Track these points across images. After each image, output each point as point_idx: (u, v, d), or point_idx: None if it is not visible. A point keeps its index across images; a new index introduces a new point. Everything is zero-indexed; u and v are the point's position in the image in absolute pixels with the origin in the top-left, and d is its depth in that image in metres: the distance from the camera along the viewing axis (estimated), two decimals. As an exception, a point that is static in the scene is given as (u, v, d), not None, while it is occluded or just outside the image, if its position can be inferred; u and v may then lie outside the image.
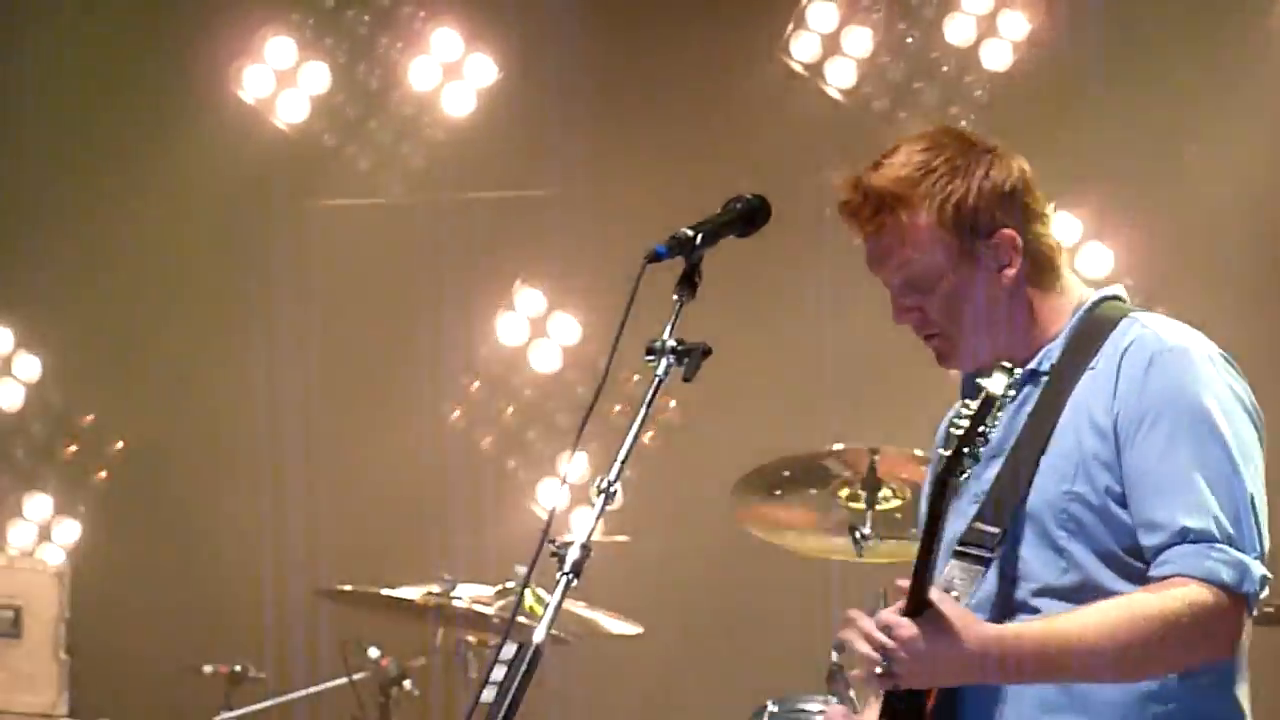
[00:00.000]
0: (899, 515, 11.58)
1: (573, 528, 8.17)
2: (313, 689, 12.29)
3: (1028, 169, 7.41)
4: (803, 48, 16.71)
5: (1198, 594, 7.18)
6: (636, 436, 7.46)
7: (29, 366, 16.49)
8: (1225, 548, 7.21)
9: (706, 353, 7.67)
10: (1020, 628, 7.24)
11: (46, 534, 16.35)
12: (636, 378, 8.14)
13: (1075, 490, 7.24)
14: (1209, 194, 15.36)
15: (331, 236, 16.07)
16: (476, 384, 16.23)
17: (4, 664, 12.73)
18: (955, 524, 7.13)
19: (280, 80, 16.87)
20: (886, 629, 6.78)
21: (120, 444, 16.52)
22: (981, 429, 6.98)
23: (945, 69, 16.76)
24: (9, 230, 16.38)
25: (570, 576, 7.40)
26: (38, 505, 16.38)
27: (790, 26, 16.45)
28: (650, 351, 7.50)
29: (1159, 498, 7.25)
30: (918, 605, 6.94)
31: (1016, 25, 16.87)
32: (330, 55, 17.06)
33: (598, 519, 7.50)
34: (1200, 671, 7.32)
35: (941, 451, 6.95)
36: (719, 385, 11.73)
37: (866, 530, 11.29)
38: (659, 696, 12.94)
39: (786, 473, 11.73)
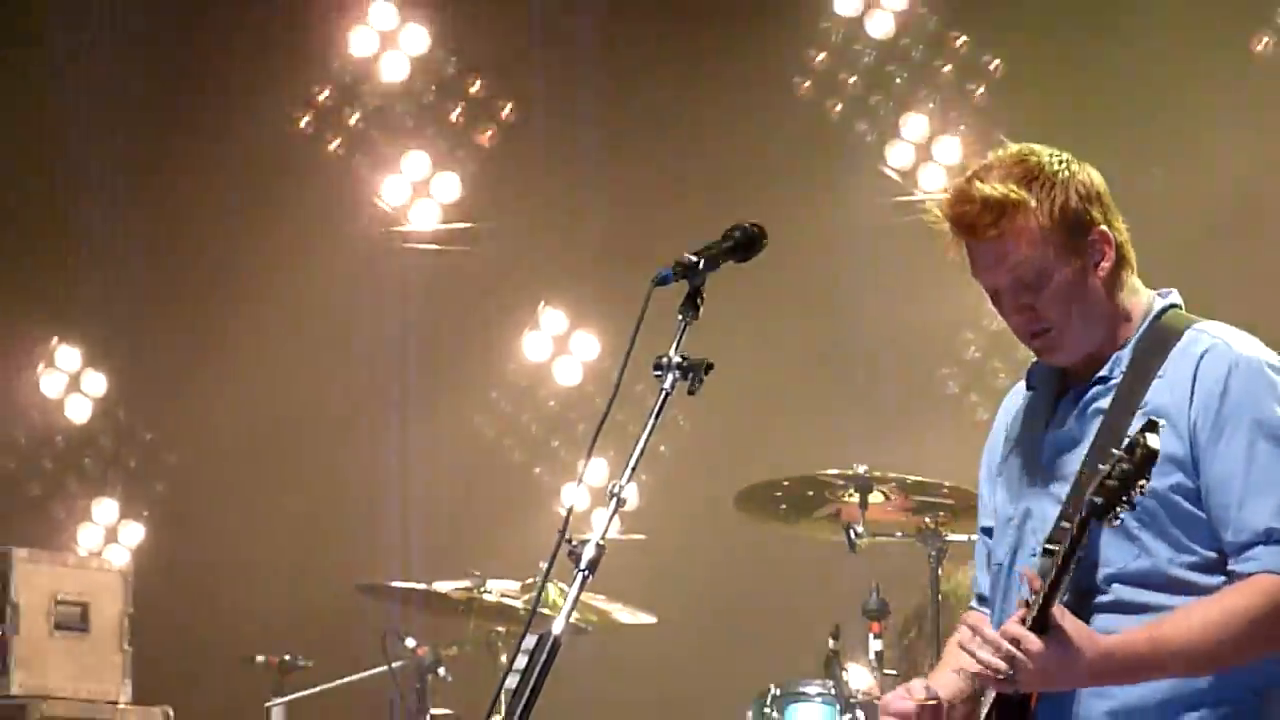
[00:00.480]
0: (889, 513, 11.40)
1: (592, 527, 7.57)
2: (355, 676, 12.01)
3: (1102, 183, 7.31)
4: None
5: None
6: (646, 444, 7.36)
7: (96, 383, 16.27)
8: None
9: (709, 368, 7.53)
10: (1128, 638, 7.11)
11: (113, 536, 16.16)
12: (640, 387, 7.87)
13: (1150, 485, 6.87)
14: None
15: (373, 264, 15.85)
16: (504, 399, 15.95)
17: (73, 656, 12.43)
18: (1051, 514, 7.16)
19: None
20: (1015, 641, 6.78)
21: (177, 455, 16.25)
22: (1141, 483, 6.76)
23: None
24: (80, 260, 16.08)
25: (586, 572, 7.28)
26: (105, 510, 16.24)
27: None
28: (657, 367, 7.40)
29: (1245, 500, 7.19)
30: (1044, 621, 6.87)
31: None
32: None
33: (611, 518, 7.37)
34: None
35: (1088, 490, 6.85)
36: (727, 397, 11.57)
37: (860, 529, 11.01)
38: (671, 680, 12.72)
39: (785, 482, 11.44)
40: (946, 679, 7.14)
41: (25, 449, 16.41)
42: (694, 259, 7.43)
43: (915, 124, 15.99)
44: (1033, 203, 7.19)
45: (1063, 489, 7.12)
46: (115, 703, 12.49)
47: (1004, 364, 14.89)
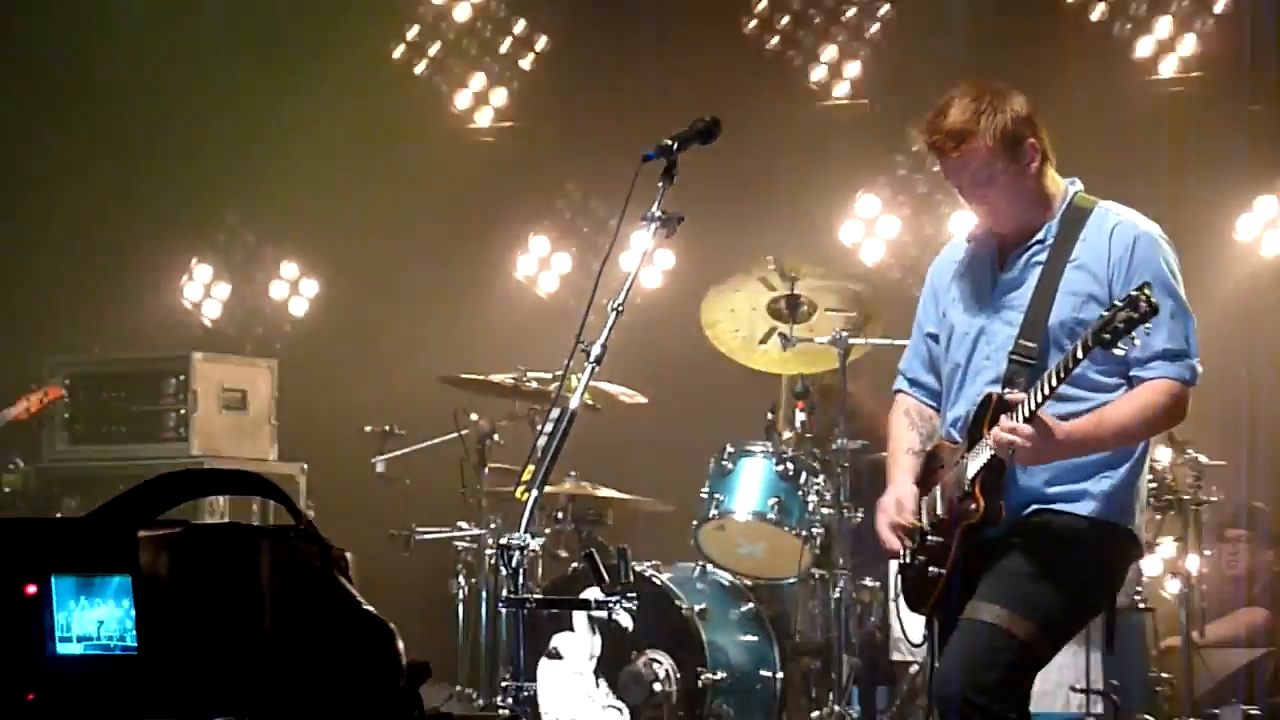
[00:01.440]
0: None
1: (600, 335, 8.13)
2: (434, 440, 12.15)
3: (1031, 106, 7.93)
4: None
5: (1174, 387, 7.73)
6: (633, 281, 8.21)
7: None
8: (1183, 358, 7.74)
9: (680, 219, 8.26)
10: (1082, 424, 7.72)
11: (266, 347, 15.52)
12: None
13: (1080, 317, 7.61)
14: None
15: (451, 152, 15.52)
16: (538, 249, 15.62)
17: (236, 427, 12.71)
18: (1002, 331, 7.82)
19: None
20: (1014, 431, 7.46)
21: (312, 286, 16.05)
22: (1144, 326, 7.31)
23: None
24: (308, 195, 15.46)
25: (594, 365, 8.15)
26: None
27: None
28: (644, 218, 8.18)
29: (1146, 320, 7.41)
30: (1031, 416, 7.48)
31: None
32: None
33: (609, 331, 8.20)
34: None
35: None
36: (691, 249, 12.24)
37: (788, 334, 11.19)
38: (657, 443, 12.66)
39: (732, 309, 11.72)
40: (907, 461, 8.10)
41: (181, 320, 16.05)
42: (669, 141, 8.16)
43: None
44: (981, 128, 7.76)
45: (1013, 315, 7.74)
46: (264, 460, 12.77)
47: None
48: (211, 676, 2.25)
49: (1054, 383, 7.43)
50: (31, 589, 2.31)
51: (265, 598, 2.30)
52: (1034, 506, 7.78)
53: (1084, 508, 7.79)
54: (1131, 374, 7.68)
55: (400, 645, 2.44)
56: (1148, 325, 7.25)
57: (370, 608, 2.40)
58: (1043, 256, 7.79)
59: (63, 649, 2.28)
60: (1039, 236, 7.77)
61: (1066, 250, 7.81)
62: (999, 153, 7.77)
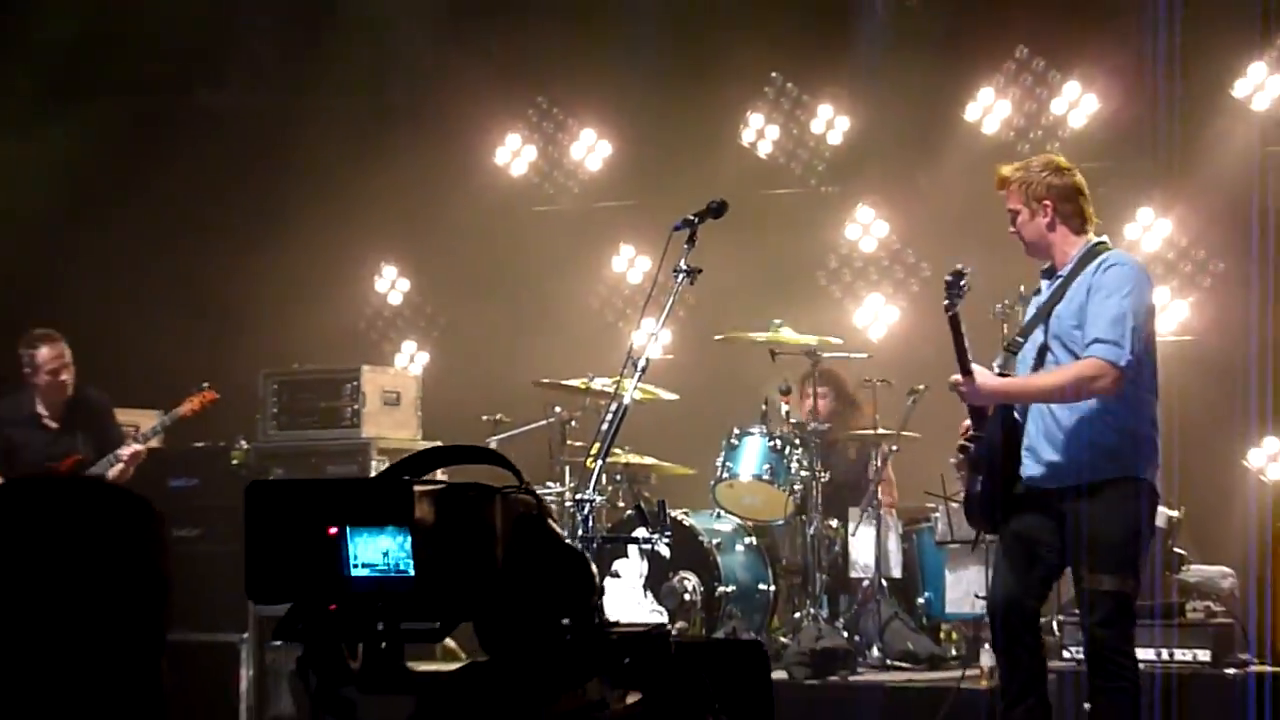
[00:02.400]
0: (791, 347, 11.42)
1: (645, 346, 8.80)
2: (529, 426, 12.04)
3: (1071, 182, 8.11)
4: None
5: (1098, 365, 7.77)
6: (667, 314, 8.75)
7: (401, 287, 15.45)
8: (1114, 345, 7.75)
9: (699, 271, 8.79)
10: (1014, 379, 8.16)
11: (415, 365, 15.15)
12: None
13: (1073, 324, 7.85)
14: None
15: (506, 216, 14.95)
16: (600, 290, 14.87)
17: (393, 417, 12.48)
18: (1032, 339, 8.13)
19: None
20: (956, 383, 8.03)
21: (444, 319, 15.31)
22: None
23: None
24: (411, 206, 14.97)
25: (641, 373, 8.76)
26: (405, 350, 15.33)
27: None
28: (675, 270, 8.76)
29: (1093, 324, 7.83)
30: (967, 371, 7.94)
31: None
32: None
33: (650, 341, 8.82)
34: (1113, 401, 7.85)
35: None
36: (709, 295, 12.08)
37: (776, 350, 11.21)
38: (684, 425, 12.07)
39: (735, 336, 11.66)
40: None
41: (367, 317, 15.52)
42: (692, 216, 8.78)
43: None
44: (1017, 185, 8.08)
45: (1036, 330, 8.03)
46: (413, 440, 12.41)
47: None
48: (461, 592, 2.23)
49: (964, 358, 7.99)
50: (333, 530, 2.21)
51: (498, 536, 2.28)
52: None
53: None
54: (1079, 355, 7.80)
55: (594, 570, 2.35)
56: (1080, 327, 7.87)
57: (571, 542, 2.33)
58: (1056, 285, 7.97)
59: (355, 573, 2.19)
60: (1060, 273, 7.94)
61: (1071, 281, 7.91)
62: (1022, 202, 8.07)
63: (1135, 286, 7.93)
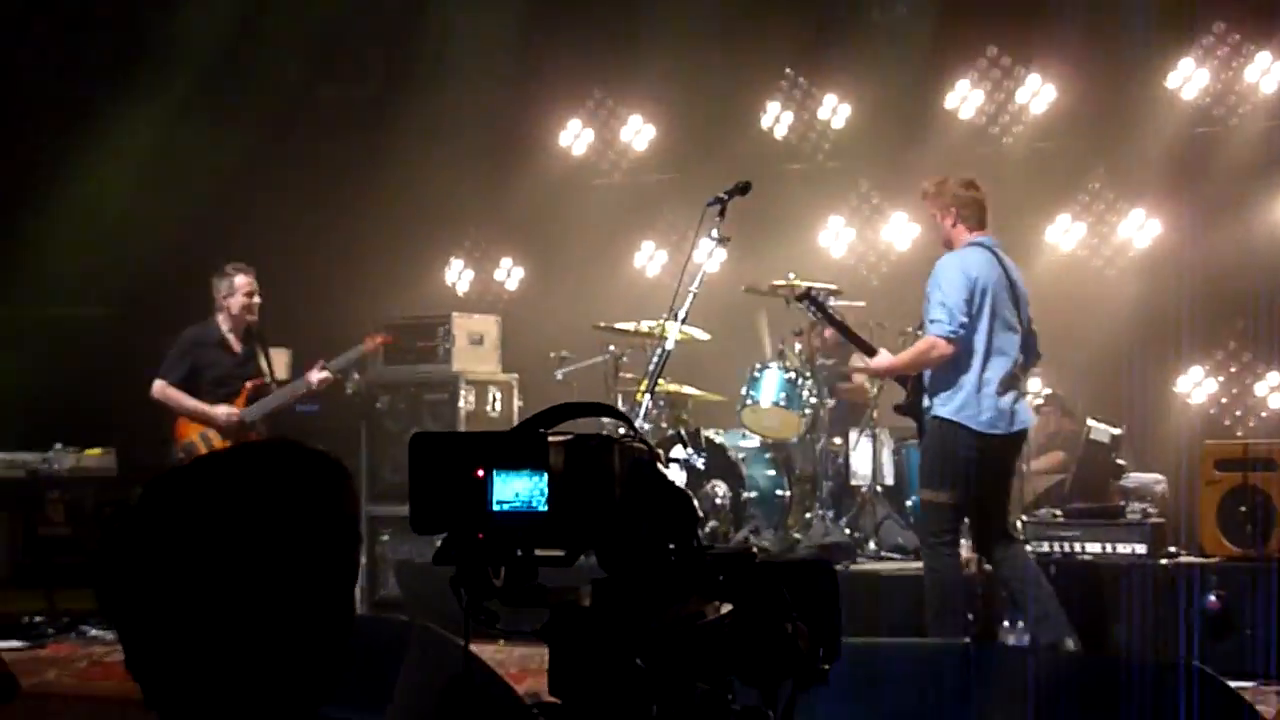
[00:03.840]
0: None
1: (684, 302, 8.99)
2: (586, 362, 11.89)
3: (965, 193, 8.47)
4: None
5: (935, 341, 8.28)
6: (702, 274, 8.98)
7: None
8: (943, 323, 8.24)
9: (728, 239, 8.85)
10: (895, 358, 8.60)
11: (493, 309, 14.06)
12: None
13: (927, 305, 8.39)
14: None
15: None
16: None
17: (477, 355, 12.37)
18: None
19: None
20: (865, 367, 9.04)
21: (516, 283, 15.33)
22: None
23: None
24: (489, 184, 14.84)
25: (681, 320, 8.67)
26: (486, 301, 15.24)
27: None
28: (709, 236, 8.97)
29: (929, 308, 8.34)
30: (872, 353, 8.56)
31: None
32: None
33: (690, 300, 8.96)
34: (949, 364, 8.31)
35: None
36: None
37: (791, 299, 10.55)
38: (717, 361, 11.87)
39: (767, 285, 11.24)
40: None
41: (441, 297, 14.98)
42: (723, 194, 8.92)
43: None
44: (932, 197, 8.53)
45: None
46: (494, 374, 12.43)
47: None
48: (585, 524, 2.20)
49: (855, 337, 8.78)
50: (480, 472, 2.17)
51: (616, 477, 2.20)
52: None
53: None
54: (922, 331, 8.51)
55: (695, 505, 2.26)
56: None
57: (679, 486, 2.24)
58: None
59: (497, 507, 2.15)
60: None
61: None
62: (932, 209, 8.59)
63: (947, 276, 8.31)
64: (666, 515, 2.29)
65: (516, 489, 2.21)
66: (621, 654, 2.24)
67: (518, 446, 2.24)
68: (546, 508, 2.21)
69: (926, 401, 8.44)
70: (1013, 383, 8.47)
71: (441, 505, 2.26)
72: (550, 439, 2.25)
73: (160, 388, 10.70)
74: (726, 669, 2.30)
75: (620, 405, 11.31)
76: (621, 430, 2.44)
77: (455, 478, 2.24)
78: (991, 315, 8.34)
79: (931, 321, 8.34)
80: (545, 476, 2.20)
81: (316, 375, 11.19)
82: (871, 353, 8.76)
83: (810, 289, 8.57)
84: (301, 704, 2.03)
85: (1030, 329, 8.73)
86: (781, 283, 10.99)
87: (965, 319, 8.23)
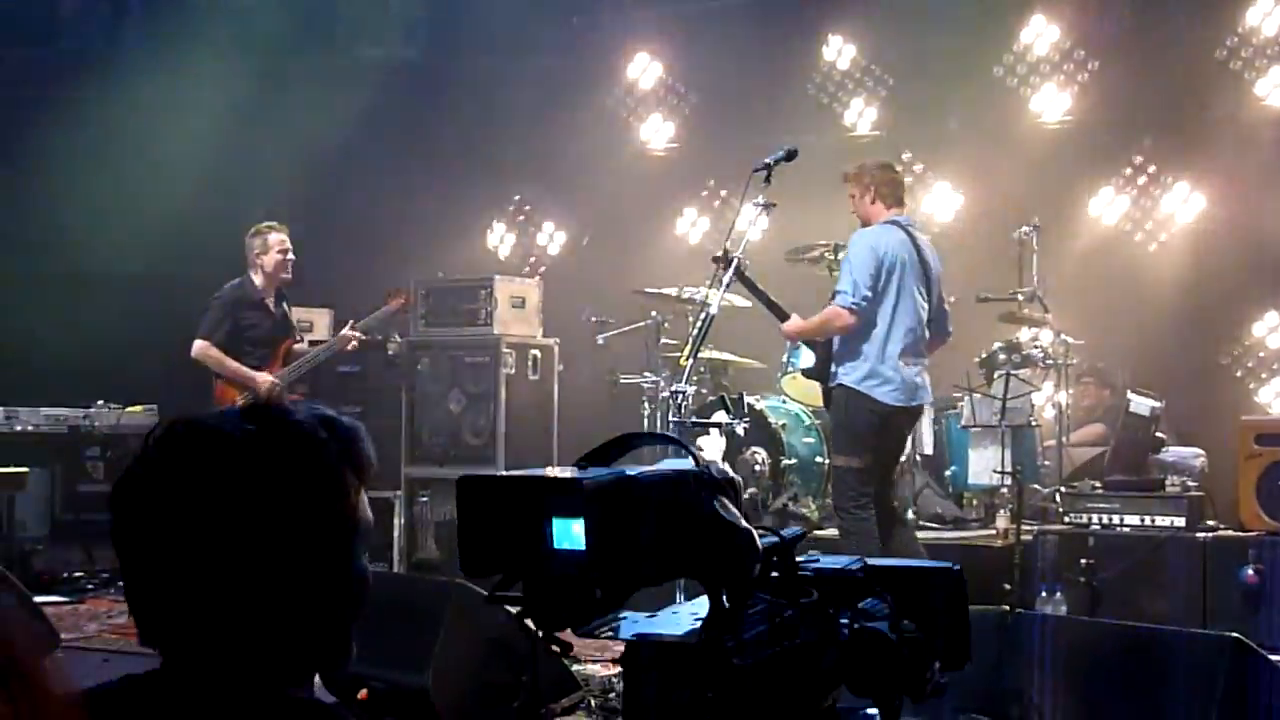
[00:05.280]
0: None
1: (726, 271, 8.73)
2: (628, 327, 11.95)
3: (882, 173, 8.79)
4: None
5: (838, 312, 8.54)
6: (745, 240, 8.69)
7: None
8: (846, 294, 8.49)
9: (773, 205, 8.78)
10: (804, 322, 8.79)
11: (535, 273, 14.78)
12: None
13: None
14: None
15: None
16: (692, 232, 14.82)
17: (519, 317, 12.30)
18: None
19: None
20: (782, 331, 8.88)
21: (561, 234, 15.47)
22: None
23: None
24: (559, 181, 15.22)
25: (724, 286, 8.71)
26: (529, 264, 15.51)
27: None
28: (754, 203, 8.70)
29: (840, 280, 8.63)
30: (784, 317, 8.73)
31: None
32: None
33: (733, 268, 8.64)
34: (852, 332, 8.61)
35: None
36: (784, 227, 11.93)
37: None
38: (757, 329, 11.02)
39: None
40: None
41: (501, 235, 15.49)
42: (769, 160, 8.73)
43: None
44: (853, 179, 8.82)
45: None
46: (534, 337, 12.32)
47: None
48: (630, 566, 2.07)
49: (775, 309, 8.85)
50: (531, 516, 2.09)
51: (660, 518, 2.12)
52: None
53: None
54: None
55: (755, 540, 2.11)
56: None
57: (735, 519, 2.10)
58: None
59: (552, 547, 2.03)
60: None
61: None
62: (854, 188, 8.83)
63: (856, 250, 8.58)
64: (718, 555, 2.19)
65: (570, 532, 2.15)
66: (700, 686, 2.17)
67: (566, 490, 2.16)
68: (587, 548, 2.14)
69: (834, 369, 8.68)
70: (916, 357, 8.69)
71: (493, 549, 2.21)
72: (595, 482, 2.16)
73: (202, 348, 10.73)
74: (829, 686, 2.26)
75: (662, 371, 11.59)
76: (682, 462, 2.34)
77: (507, 522, 2.18)
78: (899, 291, 8.57)
79: (837, 292, 8.58)
80: (596, 519, 2.14)
81: (346, 334, 11.23)
82: (784, 317, 8.94)
83: (728, 253, 8.62)
84: (300, 660, 2.11)
85: (942, 307, 8.94)
86: (823, 243, 11.03)
87: (869, 293, 8.46)
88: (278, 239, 10.93)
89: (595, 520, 2.10)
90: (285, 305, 11.20)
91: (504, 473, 2.21)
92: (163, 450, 2.08)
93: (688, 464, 2.21)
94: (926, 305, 8.77)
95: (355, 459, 2.19)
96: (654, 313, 11.88)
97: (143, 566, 2.05)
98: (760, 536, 2.17)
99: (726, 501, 2.17)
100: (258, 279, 10.95)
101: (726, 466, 2.30)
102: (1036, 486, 10.76)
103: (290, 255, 10.97)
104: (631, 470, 2.19)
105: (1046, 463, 11.11)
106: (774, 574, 2.26)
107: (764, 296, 9.09)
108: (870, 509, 8.64)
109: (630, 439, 2.37)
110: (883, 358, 8.55)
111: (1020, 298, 11.04)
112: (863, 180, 8.84)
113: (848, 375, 8.61)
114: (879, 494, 8.78)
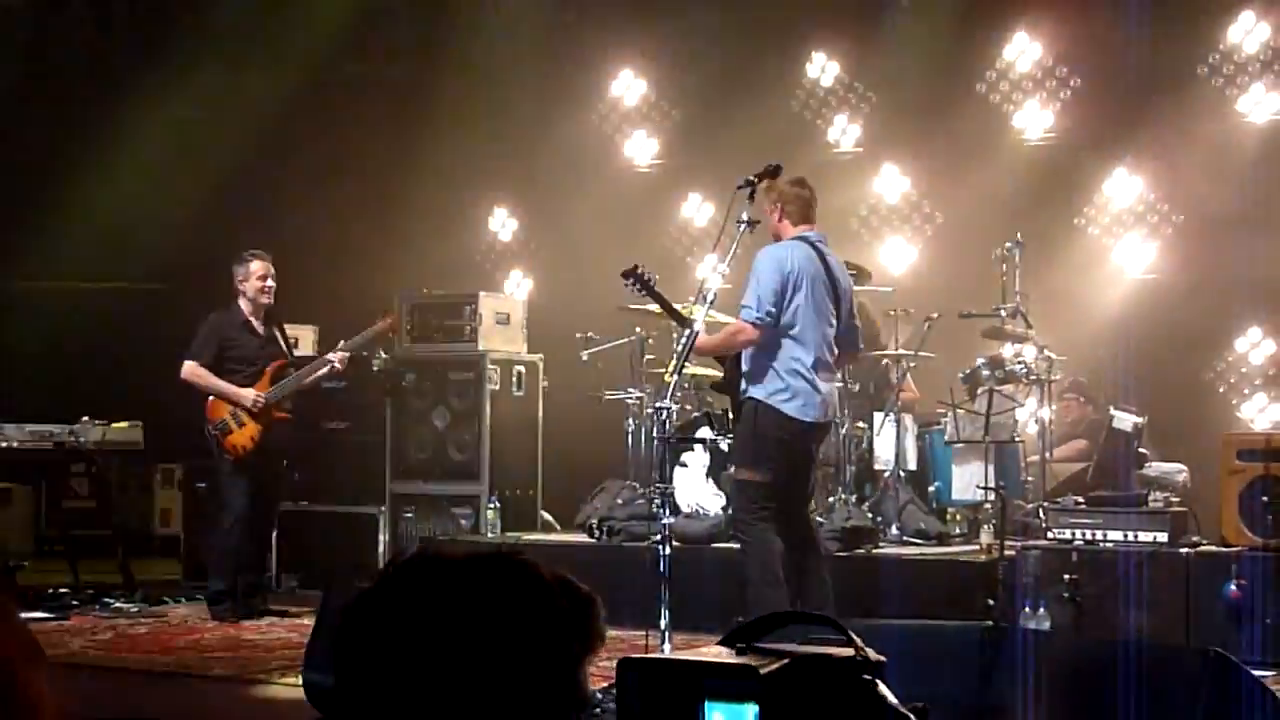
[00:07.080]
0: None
1: (709, 282, 8.71)
2: (619, 340, 11.91)
3: (792, 190, 8.69)
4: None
5: (742, 326, 8.50)
6: (731, 255, 8.50)
7: (511, 225, 15.17)
8: (751, 309, 8.43)
9: (758, 222, 8.70)
10: (709, 336, 8.72)
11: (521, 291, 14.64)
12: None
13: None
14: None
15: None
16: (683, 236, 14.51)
17: (502, 333, 12.30)
18: None
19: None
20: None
21: (544, 253, 15.14)
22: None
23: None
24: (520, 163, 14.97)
25: (709, 303, 8.60)
26: (513, 278, 15.14)
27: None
28: (737, 220, 8.50)
29: (745, 296, 8.53)
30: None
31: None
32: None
33: (717, 278, 8.64)
34: (760, 347, 8.50)
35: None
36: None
37: None
38: None
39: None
40: None
41: (481, 250, 15.36)
42: (753, 177, 8.65)
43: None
44: (767, 193, 8.62)
45: None
46: (520, 353, 12.37)
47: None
48: None
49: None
50: (696, 703, 2.07)
51: (827, 704, 2.11)
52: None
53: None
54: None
55: None
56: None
57: (898, 706, 2.07)
58: None
59: None
60: None
61: None
62: (768, 203, 8.68)
63: (763, 266, 8.52)
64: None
65: (732, 715, 2.11)
66: None
67: (732, 676, 2.15)
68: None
69: (743, 385, 8.61)
70: (825, 373, 8.66)
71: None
72: (762, 668, 2.12)
73: (190, 369, 10.87)
74: None
75: (646, 386, 11.61)
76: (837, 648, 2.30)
77: (669, 706, 2.16)
78: (806, 306, 8.52)
79: (743, 307, 8.55)
80: (758, 705, 2.11)
81: (335, 355, 11.26)
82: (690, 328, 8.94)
83: (637, 267, 8.65)
84: None
85: (851, 322, 8.91)
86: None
87: (773, 308, 8.42)
88: (259, 267, 11.02)
89: (770, 704, 2.08)
90: (275, 327, 11.25)
91: (666, 655, 2.25)
92: (401, 577, 2.01)
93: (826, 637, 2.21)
94: (835, 321, 8.72)
95: (586, 631, 2.11)
96: (638, 329, 11.85)
97: (359, 686, 1.98)
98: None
99: (884, 687, 2.16)
100: (244, 304, 11.06)
101: (870, 652, 2.26)
102: (1020, 502, 10.72)
103: (270, 283, 11.04)
104: (797, 650, 2.18)
105: (1030, 478, 11.04)
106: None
107: (669, 308, 9.09)
108: (770, 522, 8.53)
109: (783, 618, 2.39)
110: (791, 372, 8.50)
111: (1003, 314, 10.96)
112: (772, 195, 8.76)
113: (759, 389, 8.53)
114: (795, 514, 8.70)
